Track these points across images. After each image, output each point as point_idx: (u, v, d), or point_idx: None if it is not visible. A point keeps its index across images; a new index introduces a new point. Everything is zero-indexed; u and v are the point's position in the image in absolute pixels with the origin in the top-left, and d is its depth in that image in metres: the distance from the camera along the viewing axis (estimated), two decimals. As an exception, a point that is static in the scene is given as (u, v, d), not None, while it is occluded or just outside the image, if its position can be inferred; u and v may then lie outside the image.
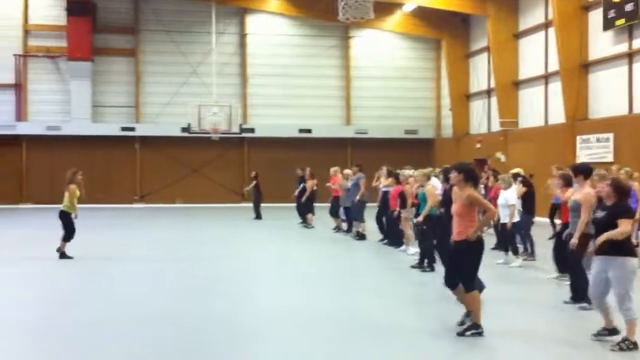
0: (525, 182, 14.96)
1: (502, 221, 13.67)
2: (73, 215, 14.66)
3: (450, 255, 8.40)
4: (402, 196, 15.09)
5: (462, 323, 8.24)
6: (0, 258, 15.01)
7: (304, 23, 34.84)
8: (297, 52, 34.86)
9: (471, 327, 7.98)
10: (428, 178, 13.35)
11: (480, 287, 9.92)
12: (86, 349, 7.57)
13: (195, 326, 8.58)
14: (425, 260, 13.06)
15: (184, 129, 31.43)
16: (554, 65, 24.91)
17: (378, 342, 7.81)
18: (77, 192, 14.77)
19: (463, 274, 8.07)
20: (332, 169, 21.18)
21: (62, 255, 14.52)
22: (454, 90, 32.90)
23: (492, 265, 13.43)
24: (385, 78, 35.35)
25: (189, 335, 8.09)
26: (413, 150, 33.86)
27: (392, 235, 16.69)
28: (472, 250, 7.99)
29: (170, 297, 10.60)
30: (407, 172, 15.33)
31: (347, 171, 19.70)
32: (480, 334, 7.92)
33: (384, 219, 17.24)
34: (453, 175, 8.32)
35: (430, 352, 7.54)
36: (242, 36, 34.65)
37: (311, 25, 34.82)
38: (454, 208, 8.23)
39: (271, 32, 34.82)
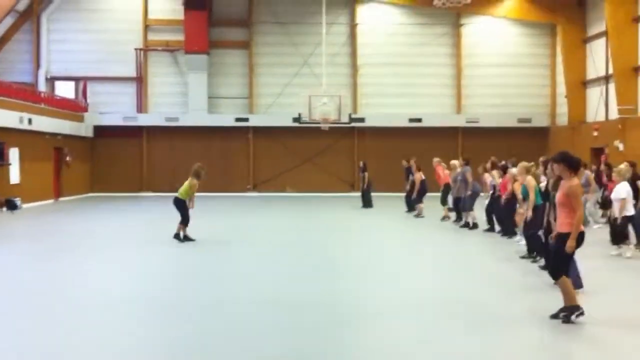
0: (635, 174, 14.51)
1: (615, 215, 13.38)
2: (190, 205, 15.36)
3: (553, 245, 8.42)
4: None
5: (555, 316, 8.19)
6: (122, 242, 15.90)
7: (414, 11, 34.65)
8: (408, 41, 34.74)
9: (572, 309, 7.97)
10: (528, 171, 13.24)
11: (578, 285, 9.66)
12: (198, 326, 7.98)
13: (305, 308, 8.92)
14: (534, 251, 12.96)
15: (295, 119, 31.98)
16: (677, 50, 23.79)
17: (482, 330, 7.87)
18: (196, 188, 15.46)
19: (553, 261, 8.20)
20: (435, 160, 21.38)
21: (185, 238, 15.28)
22: (570, 77, 31.90)
23: (605, 256, 13.19)
24: (498, 65, 34.71)
25: (298, 317, 8.43)
26: (526, 139, 33.21)
27: (504, 225, 16.58)
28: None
29: (283, 280, 11.01)
30: (514, 170, 15.13)
31: (454, 162, 19.70)
32: (582, 313, 7.94)
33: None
34: (555, 166, 8.34)
35: (533, 342, 7.46)
36: (353, 26, 34.85)
37: (422, 13, 34.59)
38: (557, 197, 8.21)
39: (382, 22, 34.84)
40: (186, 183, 15.49)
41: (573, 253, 8.07)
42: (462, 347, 7.22)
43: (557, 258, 8.11)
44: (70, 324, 8.26)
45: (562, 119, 33.61)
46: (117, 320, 8.43)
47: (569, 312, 7.98)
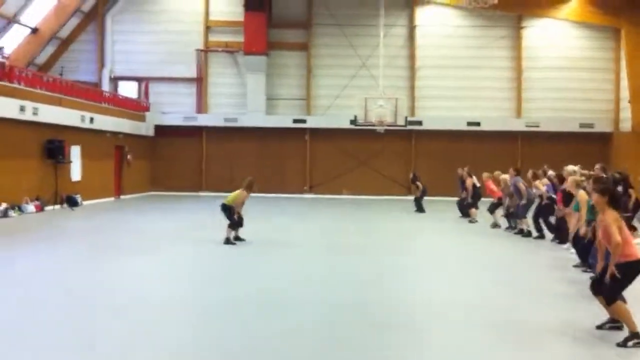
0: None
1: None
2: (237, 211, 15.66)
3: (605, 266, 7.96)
4: (564, 193, 14.64)
5: (600, 326, 8.06)
6: (171, 241, 16.17)
7: (473, 13, 34.24)
8: (467, 44, 34.42)
9: (631, 336, 7.52)
10: (578, 186, 12.93)
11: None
12: (226, 327, 8.03)
13: (334, 313, 8.89)
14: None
15: (351, 121, 32.02)
16: None
17: (519, 344, 7.66)
18: (246, 199, 15.88)
19: (607, 287, 7.74)
20: (484, 175, 21.21)
21: (236, 238, 15.58)
22: (633, 82, 31.07)
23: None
24: (559, 69, 34.08)
25: (326, 322, 8.42)
26: (588, 144, 32.56)
27: (559, 233, 16.33)
28: (627, 270, 7.61)
29: (325, 284, 11.01)
30: (571, 167, 14.84)
31: (504, 176, 19.52)
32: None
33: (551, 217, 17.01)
34: (595, 197, 8.01)
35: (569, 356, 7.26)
36: (411, 28, 34.68)
37: (481, 15, 34.18)
38: (600, 234, 7.93)
39: (440, 23, 34.60)
40: (237, 192, 15.78)
41: (628, 281, 7.70)
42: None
43: (611, 284, 7.68)
44: (105, 325, 8.43)
45: (626, 125, 32.77)
46: (144, 323, 8.56)
47: (632, 337, 7.52)
